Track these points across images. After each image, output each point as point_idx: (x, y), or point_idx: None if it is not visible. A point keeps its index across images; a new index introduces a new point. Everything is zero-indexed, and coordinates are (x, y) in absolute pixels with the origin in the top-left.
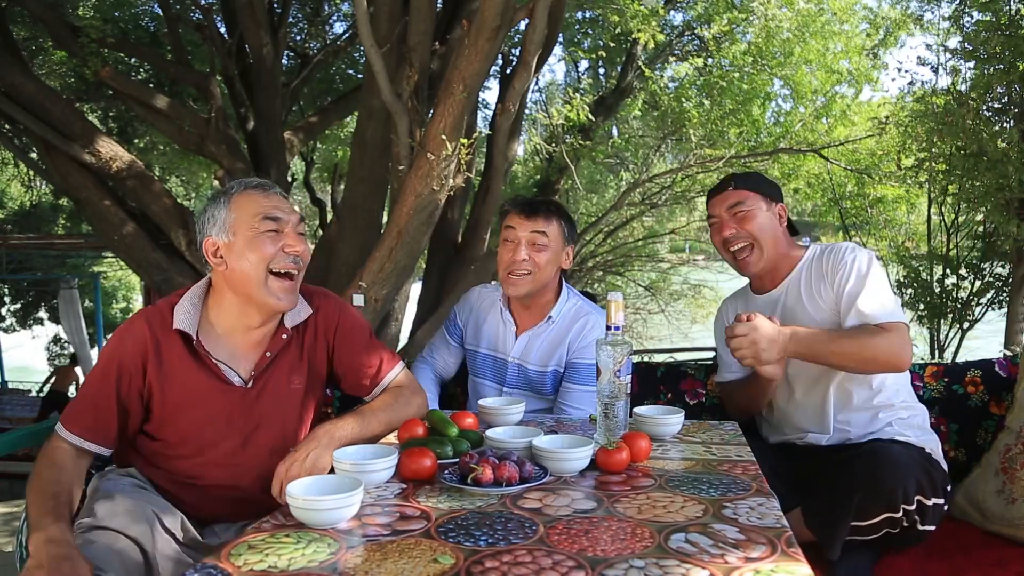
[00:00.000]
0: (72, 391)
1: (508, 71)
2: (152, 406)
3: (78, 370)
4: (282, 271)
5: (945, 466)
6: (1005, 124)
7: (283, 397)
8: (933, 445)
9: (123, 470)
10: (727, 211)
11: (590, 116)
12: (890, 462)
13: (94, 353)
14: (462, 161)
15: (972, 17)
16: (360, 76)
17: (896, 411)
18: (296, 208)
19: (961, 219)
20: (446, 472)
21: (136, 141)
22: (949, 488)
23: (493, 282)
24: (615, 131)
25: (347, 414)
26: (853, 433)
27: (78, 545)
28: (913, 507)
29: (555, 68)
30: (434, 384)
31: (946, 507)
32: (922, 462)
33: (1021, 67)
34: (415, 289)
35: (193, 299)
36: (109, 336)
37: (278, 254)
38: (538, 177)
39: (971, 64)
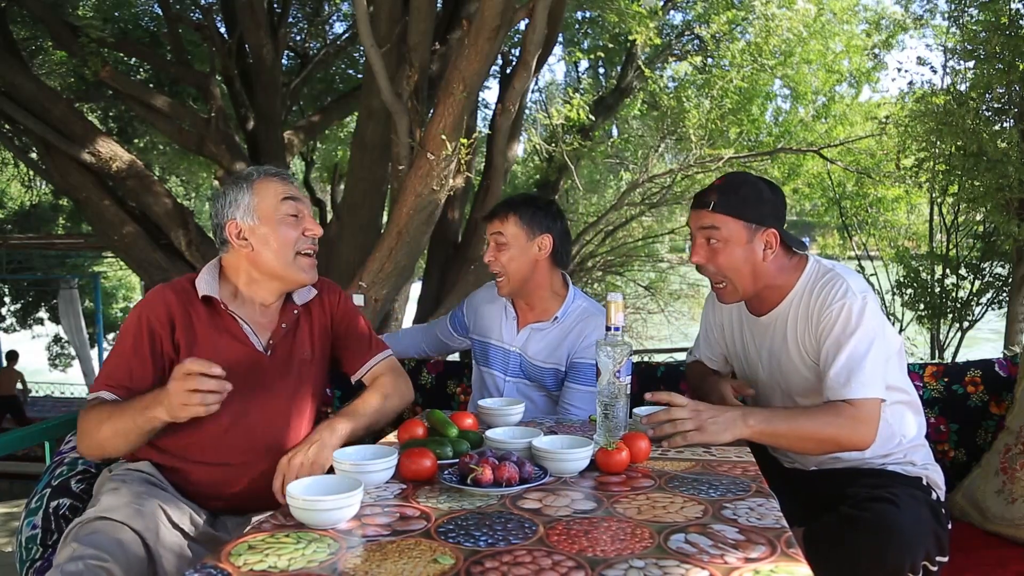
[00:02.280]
0: (19, 389)
1: (508, 71)
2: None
3: (19, 368)
4: (305, 251)
5: (943, 493)
6: (1005, 124)
7: (296, 367)
8: (933, 474)
9: (133, 464)
10: (700, 232)
11: (590, 116)
12: (898, 534)
13: (94, 353)
14: (462, 161)
15: (972, 16)
16: (360, 76)
17: (891, 454)
18: (304, 193)
19: (961, 219)
20: (446, 472)
21: (136, 141)
22: (950, 525)
23: None
24: (615, 131)
25: (337, 414)
26: (840, 466)
27: (83, 535)
28: (919, 575)
29: (555, 68)
30: (420, 331)
31: (947, 557)
32: (931, 524)
33: (1021, 67)
34: (415, 289)
35: (211, 272)
36: (126, 313)
37: (300, 238)
38: (538, 177)
39: (971, 64)
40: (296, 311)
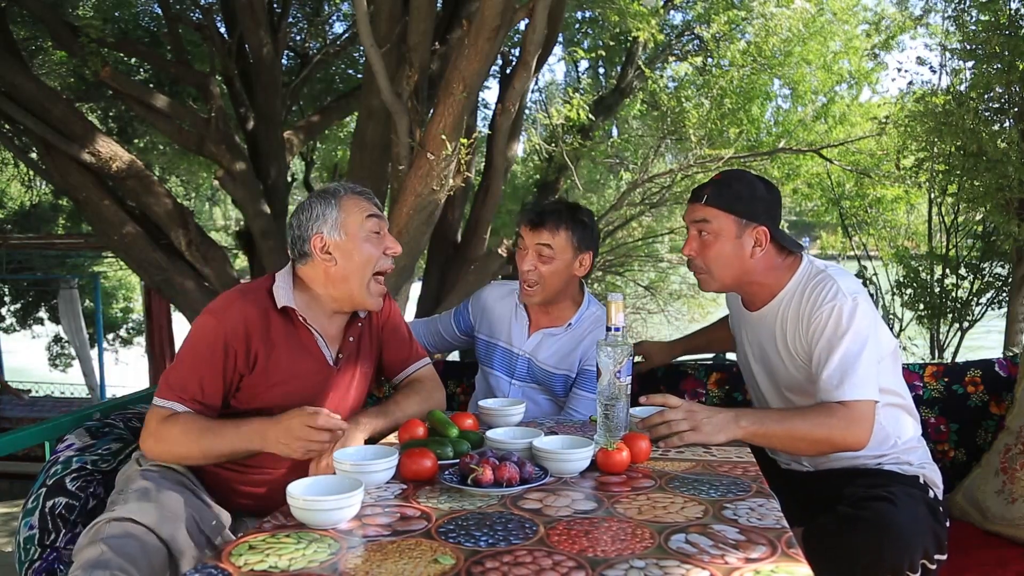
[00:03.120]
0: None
1: (508, 71)
2: (252, 379)
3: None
4: (382, 271)
5: (940, 492)
6: (1005, 124)
7: (356, 379)
8: (930, 472)
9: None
10: (693, 225)
11: (590, 116)
12: (896, 532)
13: (94, 353)
14: (462, 161)
15: (972, 16)
16: (360, 76)
17: (886, 456)
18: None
19: (961, 219)
20: (446, 473)
21: (136, 141)
22: (948, 523)
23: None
24: (615, 131)
25: (366, 411)
26: (837, 466)
27: (112, 537)
28: (918, 573)
29: (555, 68)
30: (421, 325)
31: (945, 555)
32: (928, 521)
33: (1021, 67)
34: (415, 289)
35: (286, 281)
36: (200, 315)
37: (381, 256)
38: (537, 177)
39: (970, 64)
40: (360, 324)
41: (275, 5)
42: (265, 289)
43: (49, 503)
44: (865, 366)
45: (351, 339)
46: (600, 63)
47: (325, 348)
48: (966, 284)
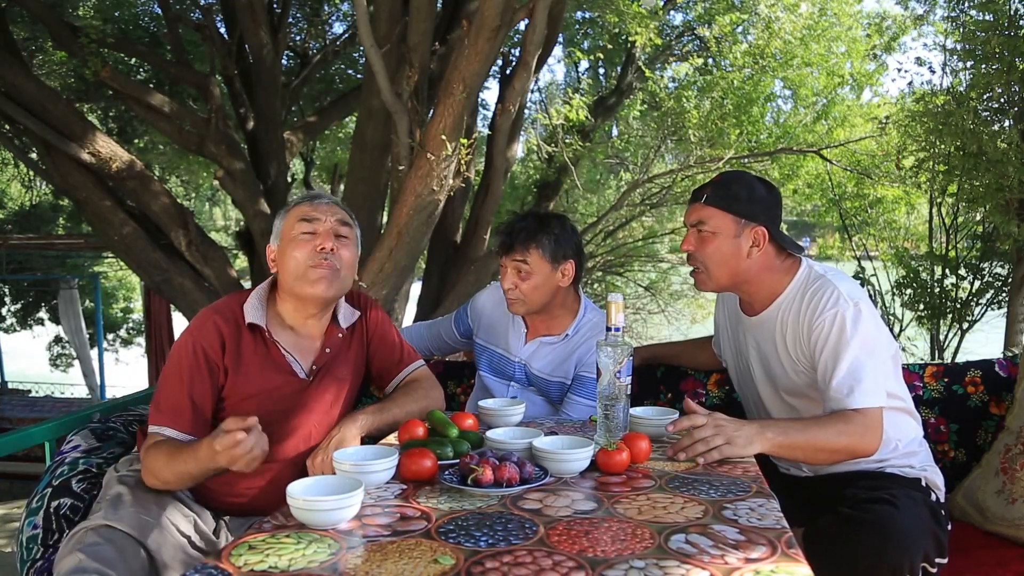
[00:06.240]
0: None
1: (508, 71)
2: (225, 391)
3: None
4: (316, 264)
5: (943, 494)
6: (1005, 124)
7: (337, 388)
8: (932, 475)
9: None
10: (691, 225)
11: (590, 116)
12: (897, 534)
13: (94, 353)
14: (462, 161)
15: (971, 16)
16: (360, 76)
17: (887, 459)
18: (339, 212)
19: (961, 220)
20: (446, 473)
21: (136, 141)
22: (949, 526)
23: None
24: (615, 131)
25: (363, 409)
26: (838, 471)
27: (87, 545)
28: (919, 575)
29: (555, 68)
30: (424, 329)
31: (945, 559)
32: (930, 524)
33: (1021, 67)
34: (415, 289)
35: (260, 296)
36: (178, 335)
37: (312, 253)
38: (537, 177)
39: (970, 64)
40: (340, 334)
41: (275, 5)
42: (239, 304)
43: (54, 503)
44: (873, 372)
45: (328, 350)
46: (600, 64)
47: (296, 363)
48: (966, 284)
